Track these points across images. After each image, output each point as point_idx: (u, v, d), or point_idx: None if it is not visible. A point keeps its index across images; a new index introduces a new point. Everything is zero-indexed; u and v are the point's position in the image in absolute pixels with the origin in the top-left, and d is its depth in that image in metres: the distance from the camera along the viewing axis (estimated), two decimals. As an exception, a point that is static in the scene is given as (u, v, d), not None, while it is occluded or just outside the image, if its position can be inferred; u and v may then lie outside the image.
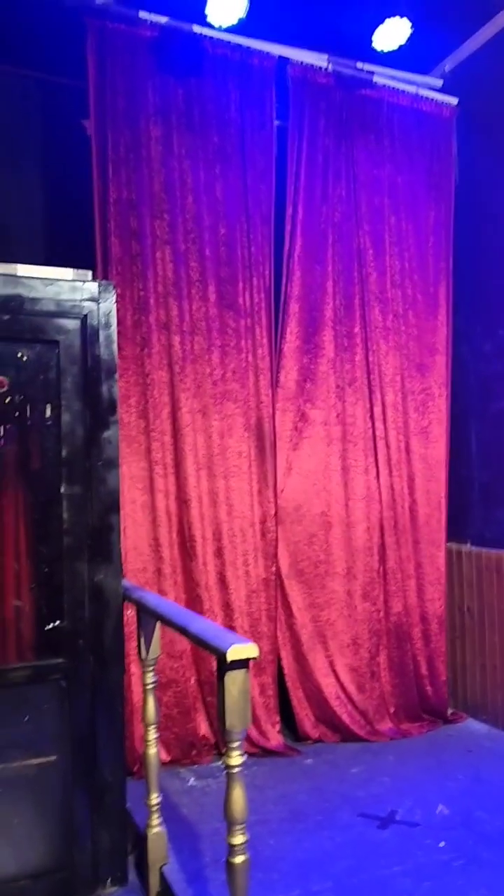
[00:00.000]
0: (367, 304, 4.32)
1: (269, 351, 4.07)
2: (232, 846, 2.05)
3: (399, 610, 4.30)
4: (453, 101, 4.58)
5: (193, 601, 3.83)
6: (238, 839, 2.05)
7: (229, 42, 4.01)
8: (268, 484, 4.04)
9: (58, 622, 2.75)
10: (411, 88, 4.50)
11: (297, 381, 4.19)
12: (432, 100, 4.56)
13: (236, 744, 2.03)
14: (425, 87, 4.56)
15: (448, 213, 4.58)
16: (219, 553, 3.91)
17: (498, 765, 3.68)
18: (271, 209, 4.11)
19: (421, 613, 4.38)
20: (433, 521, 4.44)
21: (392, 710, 4.26)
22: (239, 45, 4.03)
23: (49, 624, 2.75)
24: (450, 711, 4.43)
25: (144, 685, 2.77)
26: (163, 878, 2.69)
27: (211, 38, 3.96)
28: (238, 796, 2.04)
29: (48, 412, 2.79)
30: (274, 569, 4.04)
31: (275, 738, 3.93)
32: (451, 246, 4.58)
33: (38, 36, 3.80)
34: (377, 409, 4.31)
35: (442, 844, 2.89)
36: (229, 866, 2.06)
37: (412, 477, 4.39)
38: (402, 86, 4.47)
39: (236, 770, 2.04)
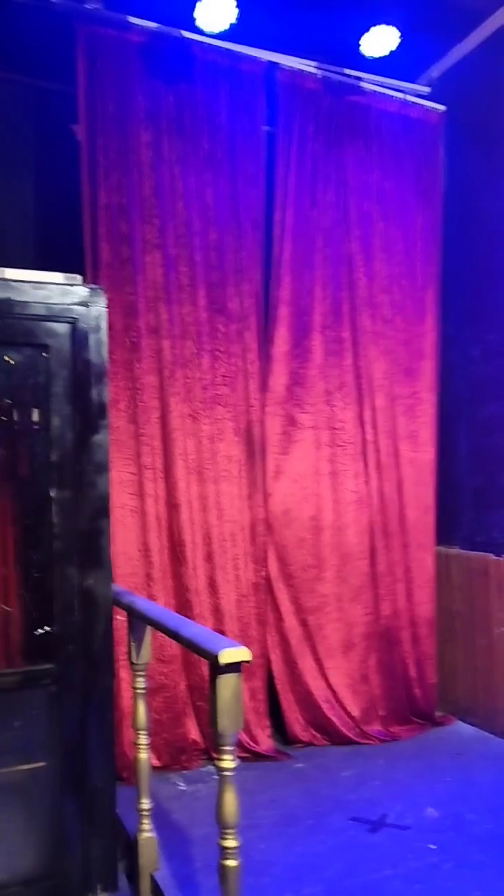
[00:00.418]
0: (356, 309, 4.34)
1: (258, 356, 4.08)
2: (224, 850, 2.05)
3: (388, 613, 4.31)
4: (440, 107, 4.62)
5: (183, 606, 3.83)
6: (230, 843, 2.04)
7: (219, 48, 4.02)
8: (258, 488, 4.05)
9: (47, 627, 2.74)
10: (399, 95, 4.53)
11: (287, 385, 4.20)
12: (420, 106, 4.60)
13: (229, 747, 2.03)
14: (413, 94, 4.60)
15: (436, 219, 4.61)
16: (209, 557, 3.91)
17: (487, 767, 3.69)
18: (261, 214, 4.12)
19: (410, 617, 4.39)
20: (422, 524, 4.46)
21: (382, 713, 4.27)
22: (229, 51, 4.05)
23: (39, 629, 2.73)
24: (439, 714, 4.44)
25: (135, 690, 2.76)
26: (154, 884, 2.68)
27: (201, 43, 3.97)
28: (230, 800, 2.04)
29: (38, 416, 2.78)
30: (264, 573, 4.04)
31: (265, 742, 3.93)
32: (440, 251, 4.61)
33: (29, 41, 3.80)
34: (367, 414, 4.33)
35: (432, 847, 2.89)
36: (222, 870, 2.05)
37: (401, 481, 4.41)
38: (390, 92, 4.51)
39: (228, 773, 2.04)
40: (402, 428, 4.44)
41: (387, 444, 4.37)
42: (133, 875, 2.76)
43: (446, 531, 4.55)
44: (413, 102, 4.57)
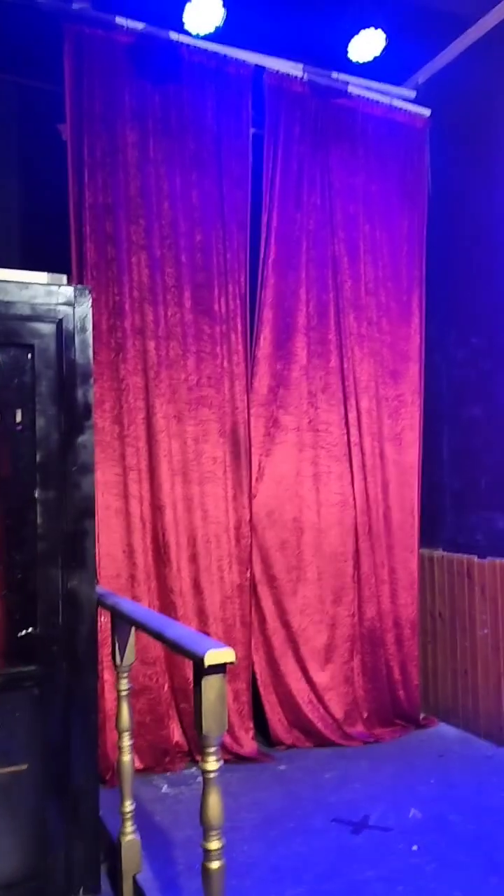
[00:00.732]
0: (341, 311, 4.35)
1: (244, 357, 4.08)
2: (208, 851, 2.05)
3: (372, 615, 4.32)
4: (426, 112, 4.65)
5: (167, 607, 3.82)
6: (214, 844, 2.05)
7: (206, 50, 4.02)
8: (243, 490, 4.05)
9: (31, 629, 2.72)
10: (385, 99, 4.56)
11: (270, 386, 4.21)
12: (406, 110, 4.62)
13: (213, 749, 2.04)
14: (399, 98, 4.62)
15: (421, 223, 4.64)
16: (193, 559, 3.90)
17: (469, 769, 3.71)
18: (247, 216, 4.12)
19: (394, 618, 4.41)
20: (407, 526, 4.48)
21: (365, 714, 4.28)
22: (216, 53, 4.05)
23: (22, 630, 2.72)
24: (422, 716, 4.46)
25: (118, 692, 2.76)
26: (136, 886, 2.67)
27: (188, 45, 3.97)
28: (214, 801, 2.04)
29: (22, 416, 2.76)
30: (248, 574, 4.04)
31: (248, 744, 3.93)
32: (424, 255, 4.63)
33: (15, 40, 3.79)
34: (352, 416, 4.34)
35: (415, 848, 2.90)
36: (205, 871, 2.05)
37: (386, 483, 4.43)
38: (376, 96, 4.53)
39: (213, 775, 2.04)
40: (388, 430, 4.46)
41: (372, 446, 4.39)
42: (115, 877, 2.75)
43: (429, 533, 4.58)
44: (399, 107, 4.60)
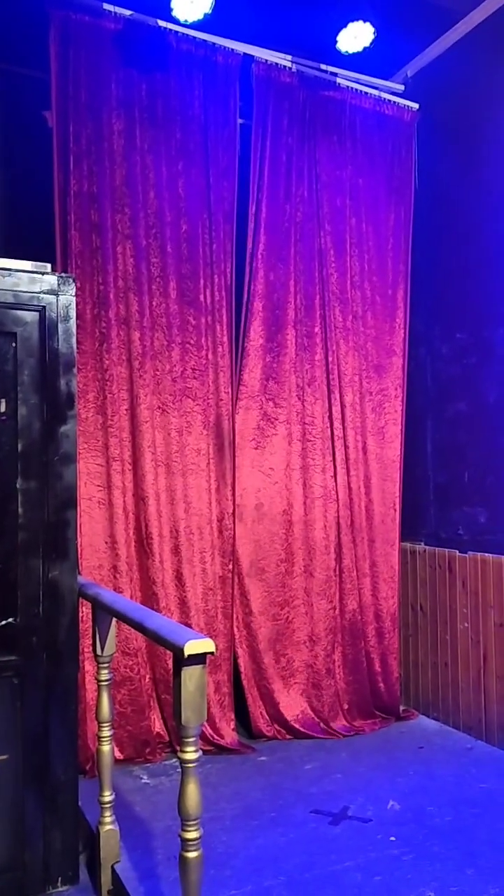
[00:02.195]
0: (327, 305, 4.35)
1: (229, 349, 4.07)
2: (186, 841, 2.05)
3: (354, 608, 4.34)
4: (414, 105, 4.64)
5: (150, 598, 3.81)
6: (192, 834, 2.05)
7: (194, 38, 4.00)
8: (226, 482, 4.04)
9: (11, 619, 2.71)
10: (374, 92, 4.55)
11: (261, 379, 4.20)
12: (394, 103, 4.61)
13: (192, 739, 2.04)
14: (387, 92, 4.61)
15: (407, 217, 4.64)
16: (176, 550, 3.90)
17: (448, 761, 3.74)
18: (234, 207, 4.11)
19: (375, 611, 4.43)
20: (388, 519, 4.49)
21: (346, 707, 4.30)
22: (204, 42, 4.02)
23: (2, 621, 2.71)
24: (402, 709, 4.49)
25: (99, 682, 2.75)
26: (115, 875, 2.67)
27: (176, 32, 3.94)
28: (192, 791, 2.04)
29: (4, 405, 2.75)
30: (231, 566, 4.04)
31: (229, 735, 3.93)
32: (410, 249, 4.63)
33: (0, 25, 3.74)
34: (335, 409, 4.34)
35: (393, 839, 2.92)
36: (183, 861, 2.06)
37: (368, 476, 4.44)
38: (364, 89, 4.52)
39: (191, 765, 2.04)
40: (371, 424, 4.47)
41: (355, 440, 4.40)
42: (94, 867, 2.75)
43: (412, 527, 4.60)
44: (387, 100, 4.59)
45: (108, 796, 2.73)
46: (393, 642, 4.46)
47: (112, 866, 2.69)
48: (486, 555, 4.00)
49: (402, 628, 4.58)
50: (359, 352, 4.45)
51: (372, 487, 4.45)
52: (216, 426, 4.03)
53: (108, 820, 2.73)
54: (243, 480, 4.14)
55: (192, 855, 2.05)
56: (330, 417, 4.35)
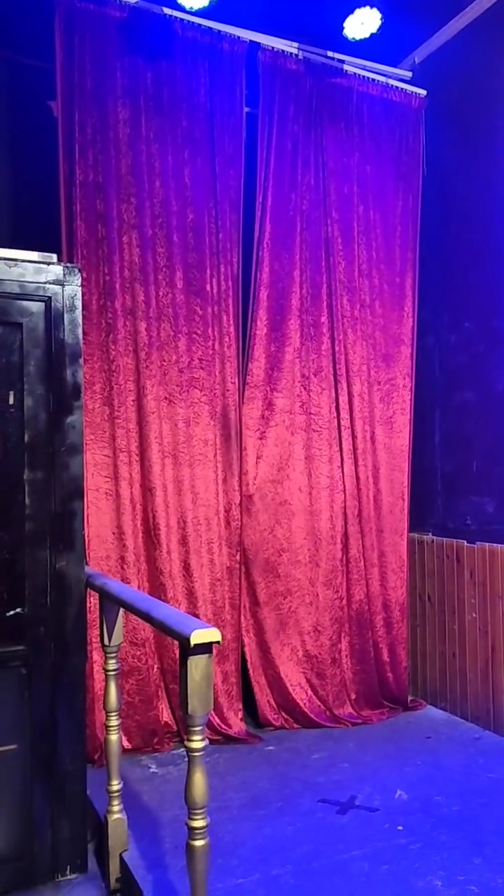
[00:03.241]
0: (334, 294, 4.32)
1: (235, 339, 4.06)
2: (192, 829, 2.05)
3: (361, 598, 4.33)
4: (422, 92, 4.60)
5: (157, 589, 3.82)
6: (198, 823, 2.05)
7: (200, 25, 3.97)
8: (233, 472, 4.04)
9: (19, 609, 2.72)
10: (381, 79, 4.50)
11: (265, 369, 4.19)
12: (401, 90, 4.57)
13: (198, 728, 2.04)
14: (395, 79, 4.57)
15: (415, 204, 4.60)
16: (183, 541, 3.90)
17: (456, 751, 3.74)
18: (240, 195, 4.08)
19: (383, 601, 4.42)
20: (397, 510, 4.48)
21: (353, 696, 4.30)
22: (209, 29, 3.99)
23: (10, 611, 2.71)
24: (410, 699, 4.49)
25: (106, 672, 2.76)
26: (123, 864, 2.69)
27: (181, 20, 3.91)
28: (199, 780, 2.05)
29: (12, 398, 2.74)
30: (238, 557, 4.04)
31: (237, 725, 3.94)
32: (418, 237, 4.60)
33: (5, 14, 3.73)
34: (343, 399, 4.33)
35: (400, 828, 2.93)
36: (189, 850, 2.06)
37: (377, 466, 4.42)
38: (371, 76, 4.48)
39: (198, 754, 2.05)
40: (379, 413, 4.45)
41: (363, 430, 4.38)
42: (102, 855, 2.76)
43: (420, 517, 4.58)
44: (395, 86, 4.55)
45: (115, 785, 2.74)
46: (401, 632, 4.46)
47: (120, 855, 2.71)
48: (494, 545, 3.99)
49: (410, 618, 4.58)
50: (367, 341, 4.43)
51: (380, 477, 4.43)
52: (223, 416, 4.02)
53: (115, 809, 2.74)
54: (249, 471, 4.13)
55: (199, 843, 2.05)
56: (337, 407, 4.33)
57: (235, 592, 4.04)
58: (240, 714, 4.01)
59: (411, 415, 4.54)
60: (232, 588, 4.02)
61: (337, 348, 4.32)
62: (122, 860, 2.70)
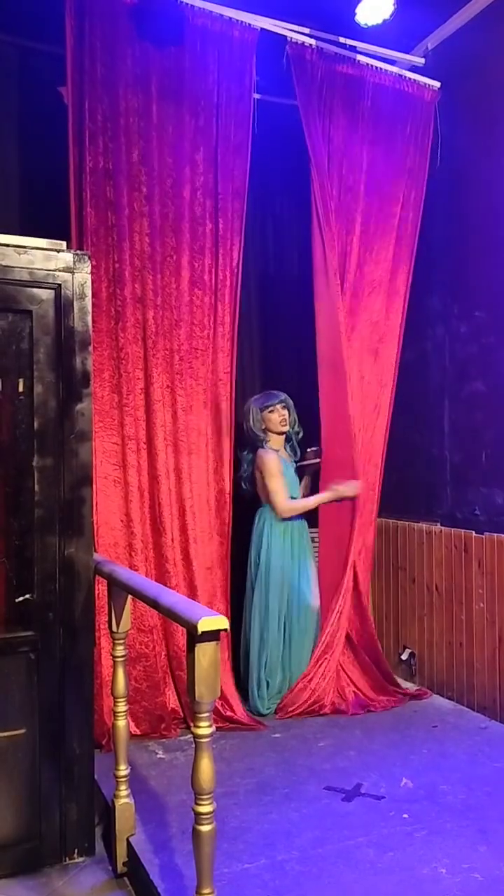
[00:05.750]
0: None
1: (230, 330, 4.03)
2: (199, 814, 2.07)
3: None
4: (436, 84, 4.53)
5: (163, 576, 3.83)
6: (205, 808, 2.07)
7: (210, 12, 3.94)
8: (223, 462, 4.03)
9: (28, 595, 2.74)
10: (394, 69, 4.45)
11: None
12: (414, 81, 4.51)
13: (205, 714, 2.05)
14: (407, 65, 4.53)
15: (418, 200, 4.53)
16: (183, 529, 3.90)
17: (462, 740, 3.74)
18: (245, 184, 4.05)
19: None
20: (369, 503, 4.47)
21: (359, 684, 4.31)
22: (220, 16, 3.96)
23: (19, 597, 2.74)
24: (415, 688, 4.49)
25: (114, 658, 2.78)
26: (130, 847, 2.71)
27: (192, 6, 3.88)
28: (206, 765, 2.06)
29: (21, 385, 2.75)
30: (227, 546, 4.05)
31: (243, 712, 3.97)
32: (417, 234, 4.53)
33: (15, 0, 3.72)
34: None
35: (406, 816, 2.94)
36: (196, 835, 2.08)
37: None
38: (383, 65, 4.42)
39: (204, 740, 2.06)
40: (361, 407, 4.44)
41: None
42: (109, 839, 2.79)
43: (427, 507, 4.58)
44: (408, 78, 4.49)
45: (123, 770, 2.77)
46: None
47: (127, 838, 2.73)
48: (503, 535, 3.98)
49: (417, 608, 4.58)
50: (356, 335, 4.39)
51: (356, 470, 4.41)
52: (214, 406, 4.01)
53: (123, 793, 2.76)
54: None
55: (205, 828, 2.07)
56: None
57: (227, 582, 4.05)
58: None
59: (389, 414, 4.52)
60: (224, 577, 4.03)
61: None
62: (129, 844, 2.72)
